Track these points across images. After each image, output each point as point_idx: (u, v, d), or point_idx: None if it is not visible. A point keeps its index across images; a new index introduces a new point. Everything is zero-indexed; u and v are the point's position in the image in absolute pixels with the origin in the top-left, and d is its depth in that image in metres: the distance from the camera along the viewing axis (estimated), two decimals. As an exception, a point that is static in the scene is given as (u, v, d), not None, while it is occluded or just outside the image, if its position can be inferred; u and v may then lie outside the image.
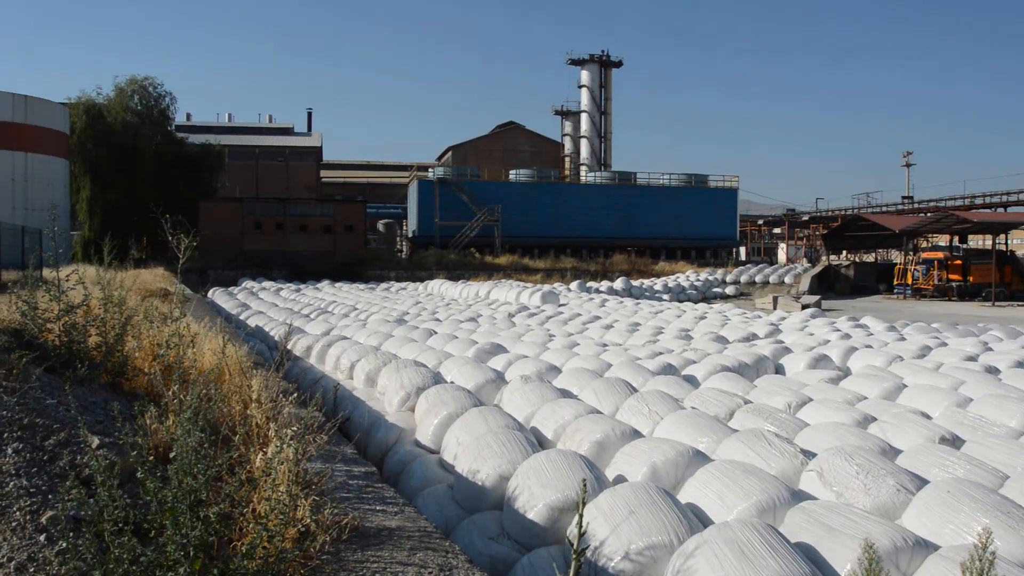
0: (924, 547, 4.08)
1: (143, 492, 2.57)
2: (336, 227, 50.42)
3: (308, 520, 2.92)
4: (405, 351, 11.59)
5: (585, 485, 2.32)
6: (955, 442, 6.51)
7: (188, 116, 78.91)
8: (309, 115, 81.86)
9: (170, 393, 3.65)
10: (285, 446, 2.95)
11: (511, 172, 63.43)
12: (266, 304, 23.36)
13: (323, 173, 78.63)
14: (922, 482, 5.06)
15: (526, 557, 4.89)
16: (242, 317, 19.38)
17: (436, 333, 14.27)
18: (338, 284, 36.05)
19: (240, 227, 48.53)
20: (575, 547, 2.23)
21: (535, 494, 5.09)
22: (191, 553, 2.40)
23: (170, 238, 6.56)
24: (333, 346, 11.60)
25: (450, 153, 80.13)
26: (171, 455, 2.63)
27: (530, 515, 5.03)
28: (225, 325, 13.02)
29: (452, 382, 8.92)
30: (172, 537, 2.38)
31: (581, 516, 2.21)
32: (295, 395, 4.24)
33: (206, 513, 2.51)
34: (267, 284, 35.02)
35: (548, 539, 4.97)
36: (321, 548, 3.01)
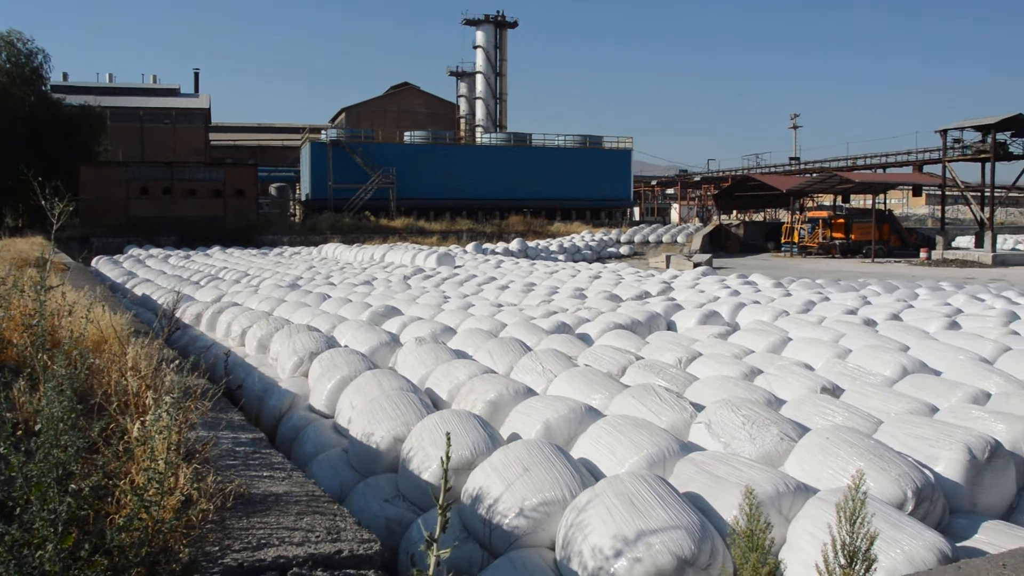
0: (804, 491, 4.23)
1: (8, 469, 2.45)
2: (226, 191, 49.05)
3: (189, 489, 2.84)
4: (298, 316, 11.40)
5: (449, 439, 2.30)
6: (835, 391, 6.76)
7: (65, 76, 75.11)
8: (196, 76, 79.10)
9: (39, 365, 3.48)
10: (164, 413, 2.85)
11: (406, 134, 62.72)
12: (153, 272, 22.61)
13: (212, 136, 76.29)
14: (804, 430, 5.24)
15: (421, 517, 4.89)
16: (128, 286, 18.70)
17: (330, 297, 14.06)
18: (229, 250, 35.18)
19: (125, 193, 46.71)
20: (440, 503, 2.21)
21: (429, 455, 5.09)
22: (60, 529, 2.29)
23: (43, 203, 6.19)
24: (224, 313, 11.31)
25: (343, 115, 78.78)
26: (37, 427, 2.51)
27: (424, 476, 5.02)
28: (107, 293, 12.55)
29: (346, 346, 8.81)
30: (39, 513, 2.27)
31: (446, 471, 2.20)
32: (176, 362, 4.12)
33: (77, 486, 2.40)
34: (155, 251, 33.85)
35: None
36: (204, 516, 2.93)
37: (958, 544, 4.10)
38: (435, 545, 2.17)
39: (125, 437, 3.01)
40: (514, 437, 5.64)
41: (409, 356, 8.19)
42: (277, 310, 12.29)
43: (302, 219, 55.94)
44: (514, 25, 77.78)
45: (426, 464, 5.05)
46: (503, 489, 4.45)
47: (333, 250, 33.26)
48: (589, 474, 4.68)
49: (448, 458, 2.22)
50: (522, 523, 4.30)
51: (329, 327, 10.18)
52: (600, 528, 3.87)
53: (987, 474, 4.74)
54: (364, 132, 60.42)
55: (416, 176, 56.80)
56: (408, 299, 13.91)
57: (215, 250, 34.72)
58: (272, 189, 61.11)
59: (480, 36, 76.35)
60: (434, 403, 6.71)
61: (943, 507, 4.50)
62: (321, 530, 3.04)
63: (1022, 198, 55.49)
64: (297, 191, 65.94)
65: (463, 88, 78.71)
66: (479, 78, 76.46)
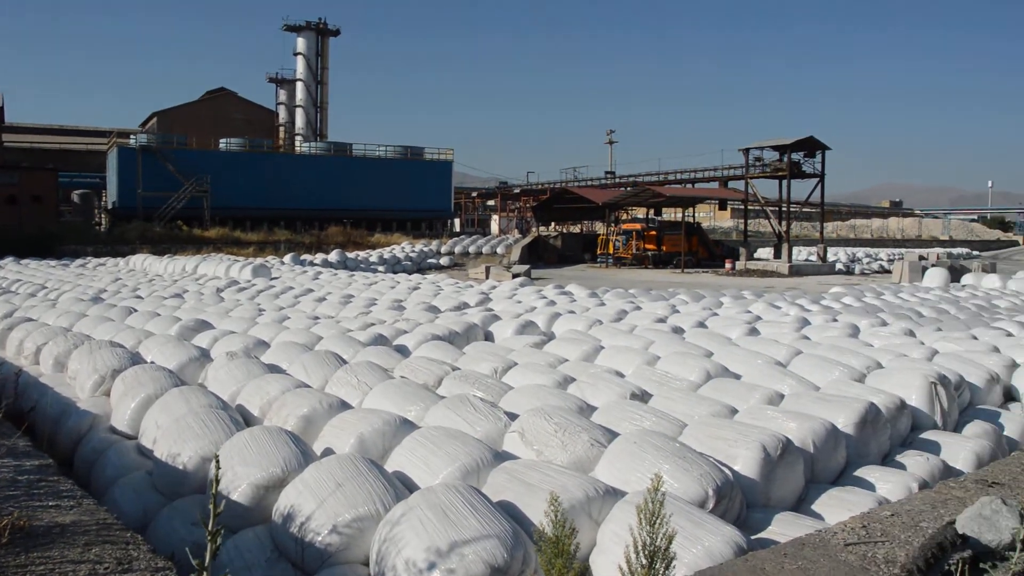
0: (613, 495, 4.36)
1: None
2: (22, 197, 45.83)
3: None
4: (100, 331, 10.78)
5: (218, 460, 2.23)
6: (644, 397, 7.01)
7: None
8: (-14, 73, 73.47)
9: None
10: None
11: (222, 141, 60.71)
12: (-67, 286, 20.80)
13: (5, 137, 71.10)
14: (614, 435, 5.40)
15: (232, 540, 4.70)
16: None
17: (136, 311, 13.36)
18: (24, 261, 32.84)
19: (-100, 198, 42.83)
20: (209, 528, 2.14)
21: (239, 474, 4.91)
22: None
23: None
24: (15, 329, 10.53)
25: (155, 119, 75.31)
26: None
27: (234, 496, 4.84)
28: None
29: (152, 362, 8.38)
30: None
31: (215, 495, 2.12)
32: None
33: None
34: (-65, 264, 31.17)
35: (255, 519, 4.81)
36: (-26, 556, 2.70)
37: (754, 536, 4.33)
38: (205, 573, 2.08)
39: None
40: (328, 452, 5.53)
41: (219, 372, 7.89)
42: (77, 325, 11.57)
43: (108, 228, 52.99)
44: (336, 33, 76.78)
45: (235, 484, 4.87)
46: (316, 506, 4.36)
47: (142, 261, 31.74)
48: (404, 487, 4.65)
49: (217, 480, 2.14)
50: (335, 540, 4.23)
51: (134, 343, 9.67)
52: (414, 541, 3.85)
53: (779, 470, 5.05)
54: (177, 138, 57.96)
55: (232, 185, 55.07)
56: (220, 312, 13.43)
57: (8, 261, 32.32)
58: (75, 196, 57.66)
59: (301, 43, 74.86)
60: (245, 420, 6.49)
61: (741, 502, 4.75)
62: (111, 561, 2.86)
63: (814, 213, 59.67)
64: (103, 199, 62.45)
65: (283, 95, 76.96)
66: (300, 86, 74.95)
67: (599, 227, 58.43)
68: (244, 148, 59.41)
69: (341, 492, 4.41)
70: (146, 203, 51.64)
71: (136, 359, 8.29)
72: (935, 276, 26.60)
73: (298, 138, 72.76)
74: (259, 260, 31.12)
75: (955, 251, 63.17)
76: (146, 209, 51.24)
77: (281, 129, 75.81)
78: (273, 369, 8.09)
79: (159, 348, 9.05)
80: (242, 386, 7.32)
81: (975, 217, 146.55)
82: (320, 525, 4.28)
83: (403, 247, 47.75)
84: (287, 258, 35.41)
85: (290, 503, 4.49)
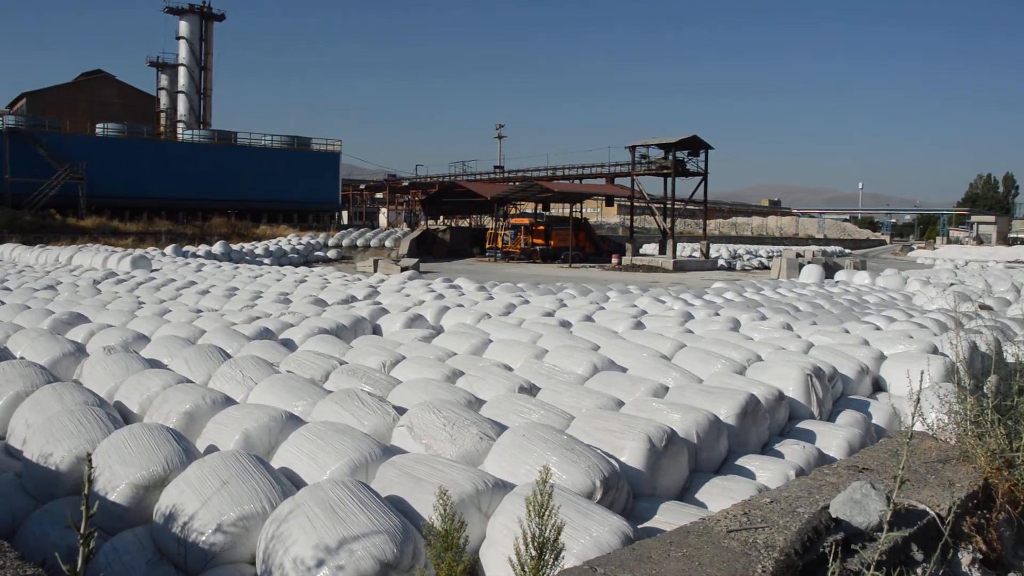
0: (503, 487, 4.38)
1: None
2: None
3: None
4: (-37, 326, 10.22)
5: (90, 459, 2.16)
6: (532, 390, 7.05)
7: None
8: None
9: None
10: None
11: (98, 126, 58.38)
12: None
13: None
14: (502, 428, 5.42)
15: (110, 542, 4.52)
16: None
17: (3, 304, 12.74)
18: None
19: None
20: (81, 531, 2.06)
21: (117, 473, 4.74)
22: None
23: None
24: None
25: (24, 101, 71.80)
26: None
27: (112, 497, 4.66)
28: None
29: (22, 358, 8.01)
30: None
31: (87, 496, 2.05)
32: None
33: None
34: None
35: (134, 520, 4.65)
36: None
37: (640, 525, 4.42)
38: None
39: None
40: (212, 449, 5.39)
41: (96, 367, 7.59)
42: (-63, 320, 10.94)
43: (-28, 216, 50.33)
44: (221, 18, 74.73)
45: (113, 484, 4.70)
46: (199, 505, 4.25)
47: (10, 251, 30.31)
48: (291, 484, 4.56)
49: (90, 481, 2.06)
50: (220, 539, 4.13)
51: (2, 337, 9.20)
52: (302, 539, 3.79)
53: (664, 460, 5.17)
54: (49, 121, 55.42)
55: (110, 172, 53.05)
56: (97, 305, 12.91)
57: None
58: (-66, 182, 54.52)
59: (184, 26, 72.58)
60: (124, 417, 6.26)
61: (628, 493, 4.84)
62: (-27, 569, 2.71)
63: (698, 210, 61.23)
64: (-34, 185, 59.30)
65: (164, 80, 74.50)
66: (182, 71, 72.66)
67: (488, 221, 58.67)
68: (123, 134, 57.29)
69: (226, 490, 4.30)
70: (15, 189, 49.22)
71: (4, 355, 7.93)
72: (811, 273, 27.70)
73: (180, 125, 70.57)
74: (139, 251, 30.15)
75: (829, 249, 66.26)
76: (15, 196, 48.83)
77: (162, 115, 73.40)
78: (153, 364, 7.83)
79: (30, 343, 8.64)
80: (120, 382, 7.07)
81: (847, 217, 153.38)
82: (204, 524, 4.17)
83: (289, 239, 46.96)
84: (168, 249, 34.33)
85: (172, 503, 4.35)
